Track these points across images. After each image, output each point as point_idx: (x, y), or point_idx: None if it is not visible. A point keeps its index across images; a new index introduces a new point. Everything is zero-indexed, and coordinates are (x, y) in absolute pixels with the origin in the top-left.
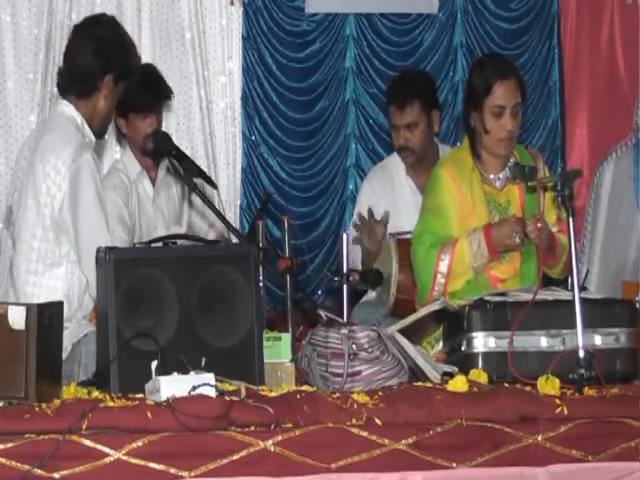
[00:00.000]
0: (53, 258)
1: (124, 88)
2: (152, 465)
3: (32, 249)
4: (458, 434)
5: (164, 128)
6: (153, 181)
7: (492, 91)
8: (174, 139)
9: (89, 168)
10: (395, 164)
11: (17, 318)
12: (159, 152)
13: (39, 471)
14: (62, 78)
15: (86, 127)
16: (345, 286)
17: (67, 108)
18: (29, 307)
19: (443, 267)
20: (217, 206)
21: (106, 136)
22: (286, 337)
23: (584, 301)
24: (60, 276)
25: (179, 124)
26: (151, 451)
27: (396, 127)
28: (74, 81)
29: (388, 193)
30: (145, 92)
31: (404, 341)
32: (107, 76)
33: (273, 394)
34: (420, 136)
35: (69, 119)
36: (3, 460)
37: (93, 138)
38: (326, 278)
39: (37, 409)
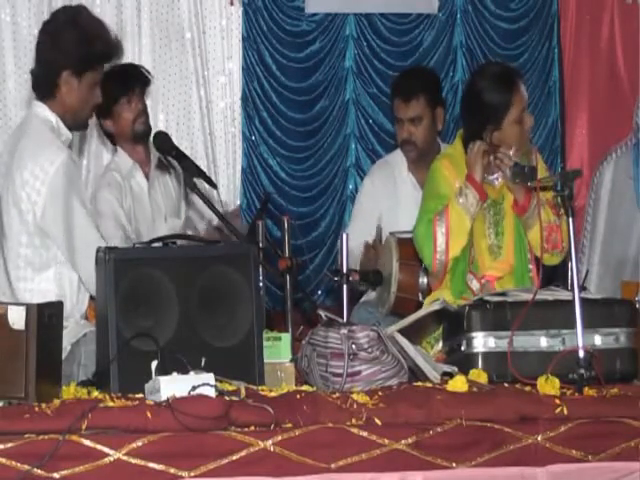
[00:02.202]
0: (41, 262)
1: (97, 76)
2: (152, 465)
3: (19, 256)
4: (458, 434)
5: (164, 128)
6: (147, 175)
7: (511, 105)
8: (174, 139)
9: (67, 169)
10: (396, 160)
11: (17, 318)
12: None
13: (39, 471)
14: (32, 79)
15: (61, 126)
16: (345, 286)
17: (40, 109)
18: (29, 307)
19: (441, 226)
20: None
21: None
22: (286, 337)
23: (584, 301)
24: (50, 278)
25: (179, 124)
26: (151, 451)
27: (400, 121)
28: (36, 82)
29: (389, 189)
30: (117, 79)
31: (404, 341)
32: (64, 72)
33: (273, 394)
34: (424, 131)
35: (43, 121)
36: (3, 460)
37: (70, 135)
38: (326, 278)
39: (37, 409)
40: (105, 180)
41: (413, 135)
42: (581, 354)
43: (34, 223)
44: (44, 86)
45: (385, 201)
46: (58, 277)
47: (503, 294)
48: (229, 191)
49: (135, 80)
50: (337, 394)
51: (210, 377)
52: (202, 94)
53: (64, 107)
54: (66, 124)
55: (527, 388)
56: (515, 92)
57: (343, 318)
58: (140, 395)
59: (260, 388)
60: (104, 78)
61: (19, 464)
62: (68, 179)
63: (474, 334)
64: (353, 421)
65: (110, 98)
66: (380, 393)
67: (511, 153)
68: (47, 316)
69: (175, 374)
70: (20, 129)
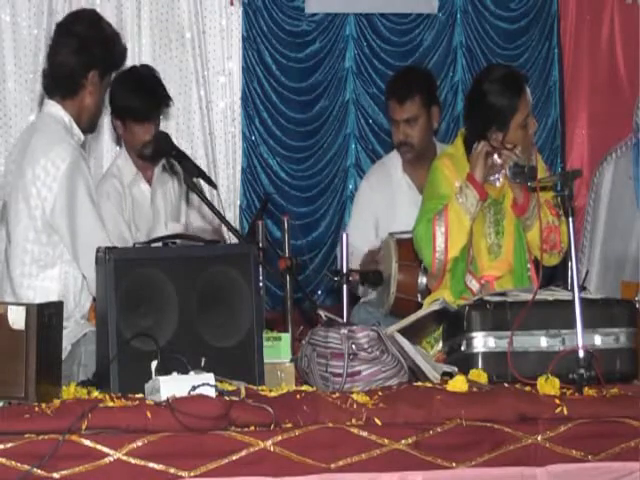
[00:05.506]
0: (47, 259)
1: (110, 80)
2: (152, 465)
3: (25, 252)
4: (458, 434)
5: (164, 128)
6: (149, 180)
7: (517, 110)
8: (174, 139)
9: (78, 167)
10: (392, 161)
11: (17, 318)
12: (158, 154)
13: (39, 471)
14: (46, 79)
15: (74, 126)
16: (345, 286)
17: (54, 108)
18: (29, 307)
19: (440, 226)
20: (217, 206)
21: (106, 137)
22: (286, 337)
23: (584, 301)
24: (54, 277)
25: (179, 124)
26: (151, 451)
27: (396, 122)
28: (59, 81)
29: (386, 189)
30: (143, 100)
31: (404, 341)
32: (91, 72)
33: (273, 394)
34: (420, 131)
35: (57, 120)
36: (3, 460)
37: (82, 136)
38: (326, 278)
39: (37, 409)
40: (104, 189)
41: (409, 136)
42: (581, 354)
43: (42, 219)
44: (67, 85)
45: (382, 202)
46: (63, 276)
47: (503, 294)
48: (229, 191)
49: (159, 106)
50: (337, 394)
51: (210, 377)
52: (202, 94)
53: (82, 107)
54: (80, 125)
55: (527, 388)
56: (521, 97)
57: (343, 318)
58: (140, 395)
59: (260, 388)
60: (131, 87)
61: (19, 464)
62: (79, 177)
63: (474, 334)
64: (353, 421)
65: (129, 110)
66: (380, 393)
67: (517, 152)
68: (47, 316)
69: (175, 374)
70: (32, 127)
